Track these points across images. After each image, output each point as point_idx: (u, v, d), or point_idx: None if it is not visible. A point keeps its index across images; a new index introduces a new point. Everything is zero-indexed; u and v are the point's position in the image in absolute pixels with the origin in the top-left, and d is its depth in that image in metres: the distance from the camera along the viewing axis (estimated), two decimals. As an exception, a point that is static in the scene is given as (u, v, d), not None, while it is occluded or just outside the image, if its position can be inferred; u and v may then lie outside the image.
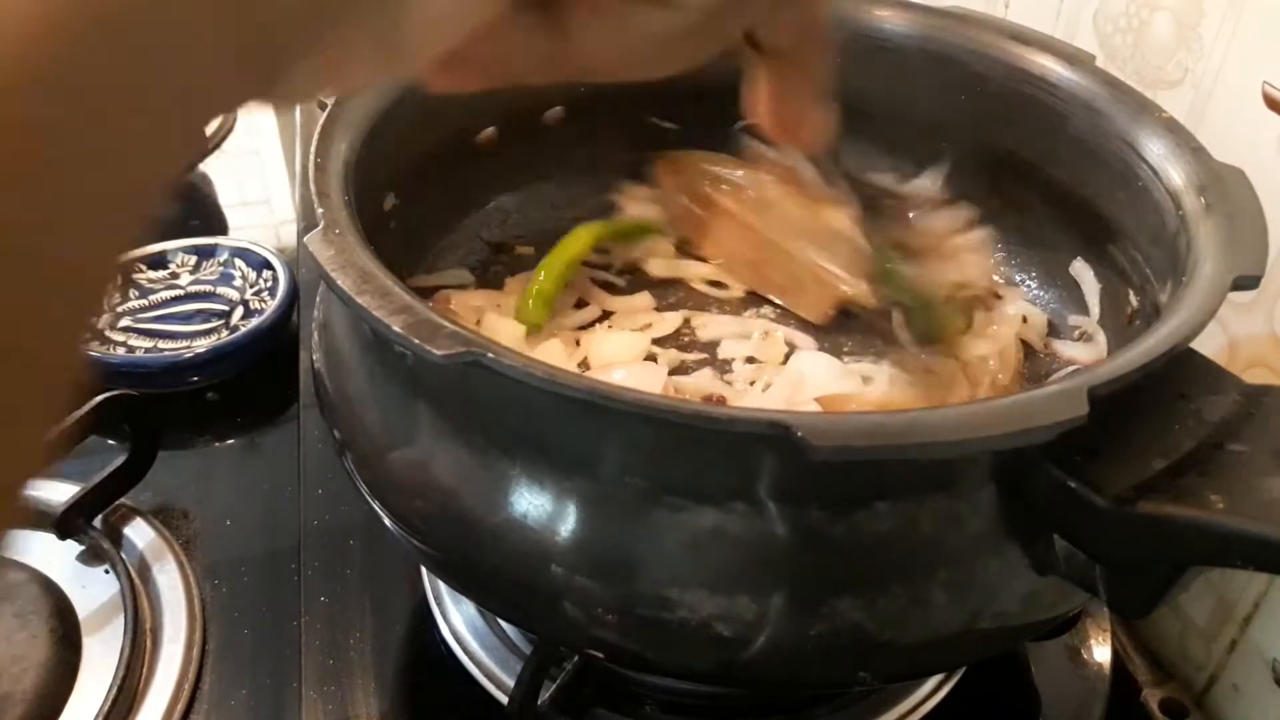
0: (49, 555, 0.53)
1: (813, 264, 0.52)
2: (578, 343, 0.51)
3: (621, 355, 0.50)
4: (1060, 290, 0.53)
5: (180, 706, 0.47)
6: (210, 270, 0.72)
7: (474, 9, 0.21)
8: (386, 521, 0.38)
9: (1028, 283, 0.54)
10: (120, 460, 0.55)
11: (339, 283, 0.33)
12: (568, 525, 0.33)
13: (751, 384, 0.49)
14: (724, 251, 0.55)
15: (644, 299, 0.54)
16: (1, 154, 0.14)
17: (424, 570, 0.51)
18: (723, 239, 0.55)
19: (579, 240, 0.54)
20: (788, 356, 0.50)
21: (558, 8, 0.23)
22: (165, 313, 0.69)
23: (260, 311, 0.67)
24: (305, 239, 0.35)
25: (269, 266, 0.70)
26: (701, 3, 0.23)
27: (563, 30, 0.23)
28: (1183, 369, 0.33)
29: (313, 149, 0.40)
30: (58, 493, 0.54)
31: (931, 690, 0.46)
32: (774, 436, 0.27)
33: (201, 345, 0.65)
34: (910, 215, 0.52)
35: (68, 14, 0.14)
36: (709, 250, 0.55)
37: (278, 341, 0.67)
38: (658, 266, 0.56)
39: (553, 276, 0.52)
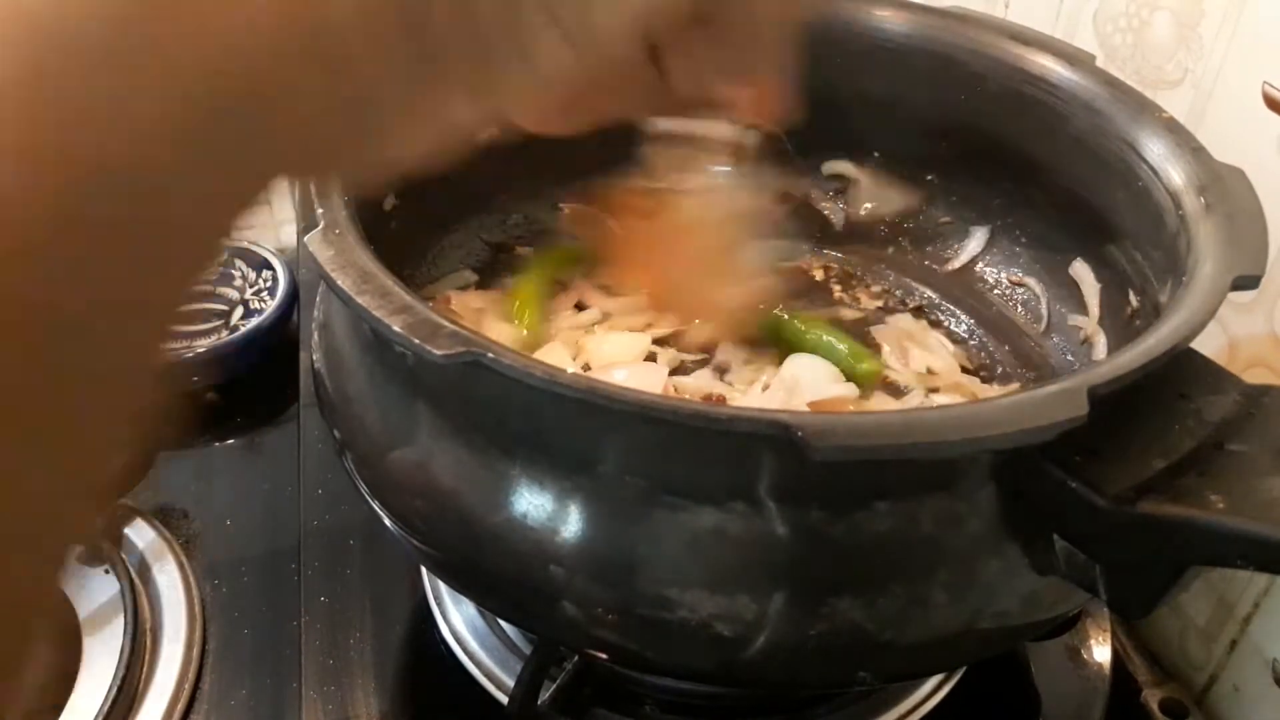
0: (49, 555, 0.53)
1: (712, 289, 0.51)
2: (579, 344, 0.51)
3: (622, 355, 0.50)
4: (1060, 290, 0.53)
5: (180, 706, 0.47)
6: (210, 270, 0.72)
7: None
8: (386, 521, 0.38)
9: (1028, 283, 0.54)
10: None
11: (339, 283, 0.33)
12: (568, 525, 0.33)
13: (750, 384, 0.49)
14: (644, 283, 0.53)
15: (643, 299, 0.54)
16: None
17: (424, 570, 0.51)
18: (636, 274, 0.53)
19: (538, 274, 0.54)
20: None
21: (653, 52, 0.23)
22: (165, 313, 0.68)
23: (260, 311, 0.67)
24: (305, 239, 0.35)
25: (269, 266, 0.70)
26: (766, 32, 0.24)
27: (662, 67, 0.23)
28: (1183, 369, 0.33)
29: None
30: (58, 493, 0.54)
31: (932, 690, 0.46)
32: (774, 436, 0.27)
33: (201, 345, 0.65)
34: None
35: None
36: (628, 285, 0.53)
37: (278, 341, 0.67)
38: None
39: (529, 300, 0.52)
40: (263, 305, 0.68)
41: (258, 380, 0.66)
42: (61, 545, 0.17)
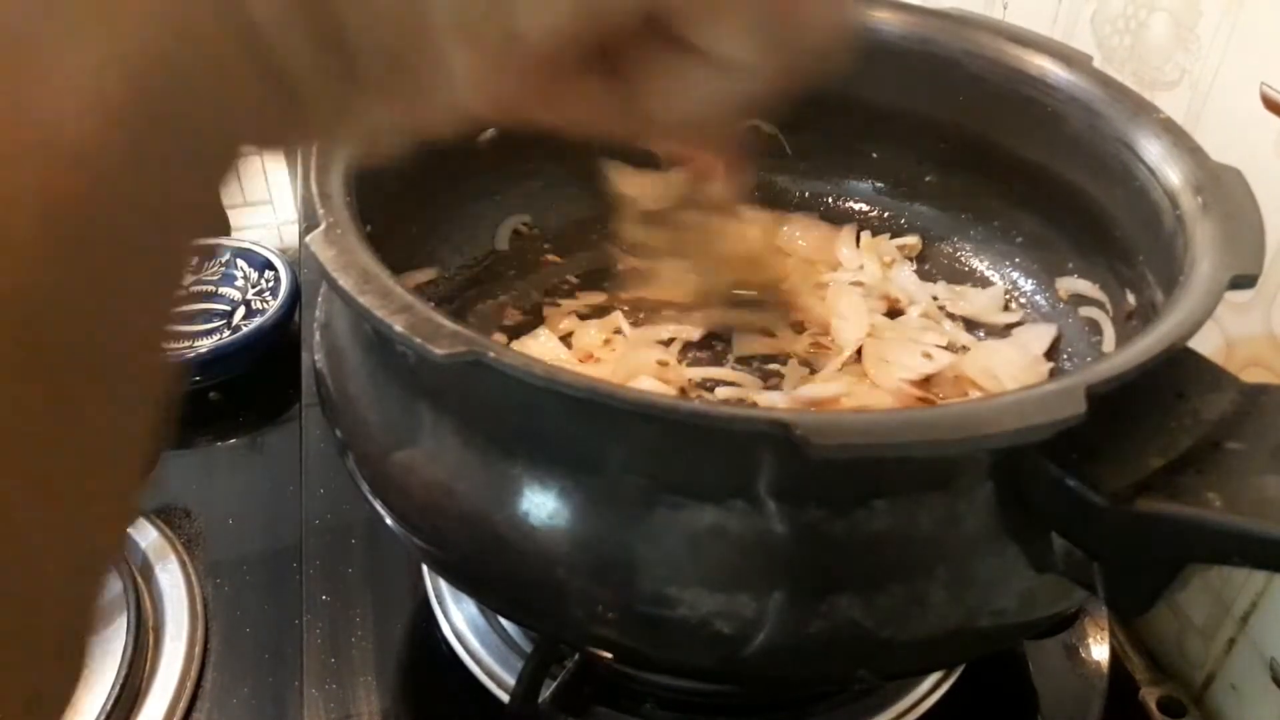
0: (51, 554, 0.53)
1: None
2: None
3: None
4: (1056, 290, 0.53)
5: (182, 705, 0.47)
6: (212, 270, 0.72)
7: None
8: (388, 520, 0.38)
9: (1026, 282, 0.55)
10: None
11: (340, 283, 0.33)
12: (569, 524, 0.33)
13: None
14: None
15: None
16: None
17: (425, 569, 0.51)
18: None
19: None
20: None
21: (625, 67, 0.22)
22: (166, 312, 0.69)
23: (262, 311, 0.67)
24: (307, 239, 0.35)
25: (271, 267, 0.70)
26: (759, 68, 0.21)
27: (628, 90, 0.22)
28: (1180, 368, 0.33)
29: (314, 149, 0.40)
30: (60, 492, 0.54)
31: (930, 688, 0.46)
32: (774, 435, 0.27)
33: (203, 345, 0.65)
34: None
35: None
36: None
37: (279, 341, 0.67)
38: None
39: None
40: (265, 305, 0.68)
41: (260, 380, 0.66)
42: (95, 552, 0.17)
